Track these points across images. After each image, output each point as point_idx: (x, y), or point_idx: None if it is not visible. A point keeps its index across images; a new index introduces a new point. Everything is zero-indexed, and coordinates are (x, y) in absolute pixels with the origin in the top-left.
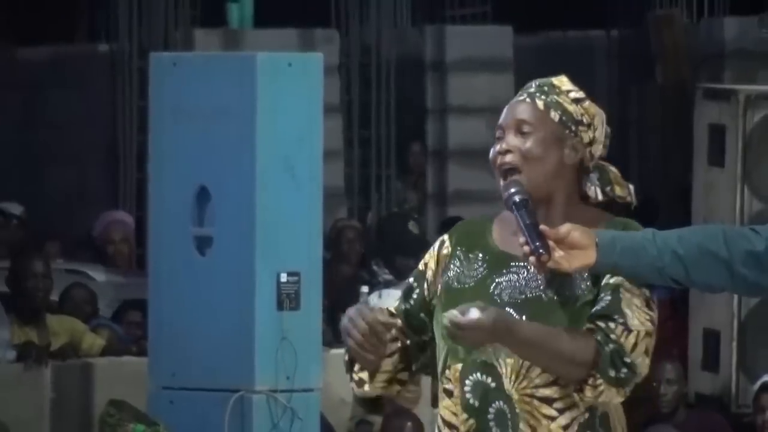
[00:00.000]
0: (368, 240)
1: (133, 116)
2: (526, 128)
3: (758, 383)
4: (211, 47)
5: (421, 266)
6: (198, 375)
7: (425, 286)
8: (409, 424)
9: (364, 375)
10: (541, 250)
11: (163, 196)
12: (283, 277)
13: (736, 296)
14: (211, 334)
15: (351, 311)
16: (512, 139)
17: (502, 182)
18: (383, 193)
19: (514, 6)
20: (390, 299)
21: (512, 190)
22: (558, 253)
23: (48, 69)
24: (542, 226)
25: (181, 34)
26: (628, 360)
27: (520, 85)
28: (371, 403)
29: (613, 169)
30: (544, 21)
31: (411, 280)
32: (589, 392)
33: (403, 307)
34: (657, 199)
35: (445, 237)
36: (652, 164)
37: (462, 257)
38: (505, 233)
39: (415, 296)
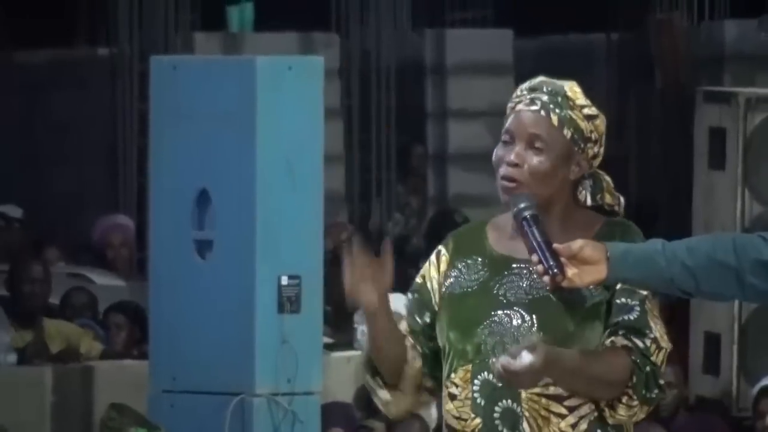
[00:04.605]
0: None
1: (134, 120)
2: (538, 144)
3: (757, 387)
4: (211, 51)
5: (420, 279)
6: (199, 378)
7: (431, 296)
8: (417, 424)
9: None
10: (555, 270)
11: (163, 200)
12: (284, 281)
13: (737, 300)
14: (211, 338)
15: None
16: (522, 153)
17: (502, 187)
18: (384, 196)
19: (514, 9)
20: (395, 302)
21: (522, 205)
22: (571, 271)
23: (48, 72)
24: (555, 245)
25: (181, 38)
26: (661, 381)
27: None
28: (372, 407)
29: (606, 177)
30: (544, 24)
31: (417, 295)
32: (622, 411)
33: (420, 321)
34: (657, 203)
35: (441, 247)
36: (652, 167)
37: (461, 264)
38: (502, 236)
39: (428, 309)
